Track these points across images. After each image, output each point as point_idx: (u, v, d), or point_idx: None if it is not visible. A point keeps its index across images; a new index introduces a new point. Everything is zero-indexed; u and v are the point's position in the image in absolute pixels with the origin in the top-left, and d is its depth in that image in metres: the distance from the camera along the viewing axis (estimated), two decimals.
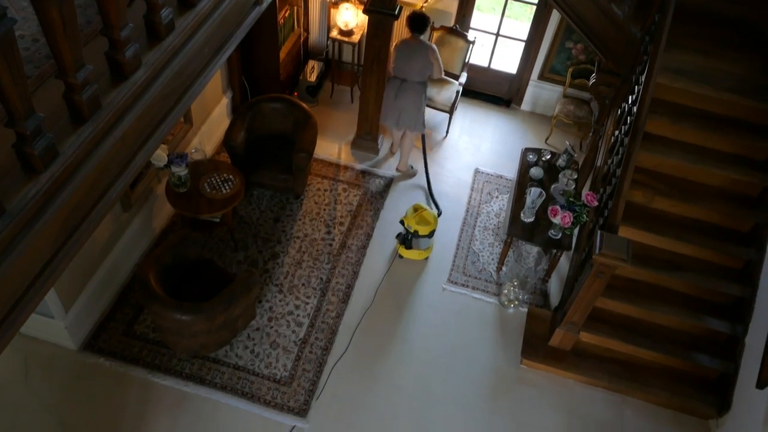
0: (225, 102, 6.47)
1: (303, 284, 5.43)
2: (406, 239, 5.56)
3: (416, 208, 5.56)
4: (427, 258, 5.76)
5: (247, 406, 4.65)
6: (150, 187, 5.34)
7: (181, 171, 5.04)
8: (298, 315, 5.22)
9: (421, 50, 5.70)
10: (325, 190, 6.24)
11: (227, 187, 5.26)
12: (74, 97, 2.18)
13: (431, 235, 5.57)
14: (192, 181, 5.22)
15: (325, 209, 6.06)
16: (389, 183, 6.42)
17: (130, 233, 5.17)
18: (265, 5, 3.72)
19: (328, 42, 7.14)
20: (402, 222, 5.55)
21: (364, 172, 6.49)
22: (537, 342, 5.16)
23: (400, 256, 5.73)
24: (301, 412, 4.66)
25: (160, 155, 4.88)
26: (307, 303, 5.30)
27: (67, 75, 2.11)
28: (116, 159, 2.48)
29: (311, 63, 7.18)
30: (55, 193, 2.16)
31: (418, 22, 5.64)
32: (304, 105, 5.97)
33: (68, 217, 2.27)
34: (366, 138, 6.61)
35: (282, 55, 6.50)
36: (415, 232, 5.47)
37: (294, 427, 4.58)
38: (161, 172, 5.24)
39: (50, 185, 2.11)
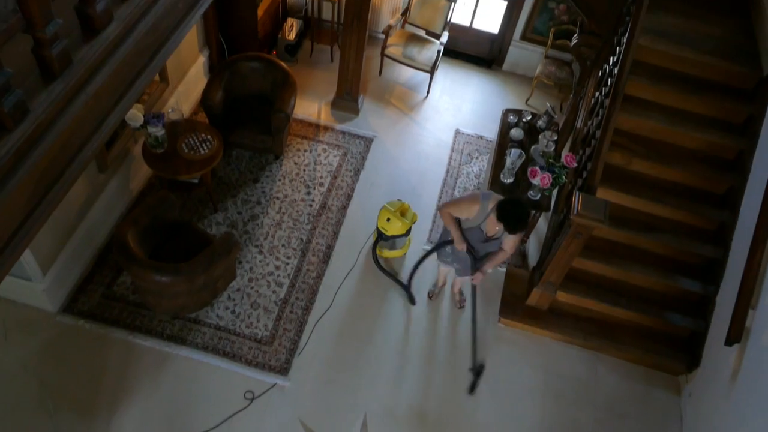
0: (202, 61, 6.34)
1: (283, 245, 5.43)
2: (383, 240, 5.30)
3: (387, 216, 5.15)
4: (404, 254, 5.59)
5: (228, 365, 4.69)
6: (126, 148, 5.25)
7: (157, 131, 4.96)
8: (278, 275, 5.23)
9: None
10: (305, 151, 6.20)
11: (205, 148, 5.20)
12: (44, 52, 2.12)
13: (408, 233, 5.34)
14: (169, 142, 5.15)
15: (305, 170, 6.03)
16: (369, 144, 6.38)
17: (107, 195, 5.10)
18: None
19: None
20: (378, 230, 5.24)
21: (344, 133, 6.44)
22: (515, 301, 5.23)
23: (377, 261, 5.28)
24: (283, 370, 4.71)
25: (136, 115, 4.79)
26: (288, 264, 5.31)
27: (35, 29, 2.05)
28: (90, 117, 2.42)
29: (290, 21, 7.04)
30: (27, 152, 2.12)
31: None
32: (283, 64, 5.87)
33: (41, 176, 2.23)
34: (346, 98, 6.54)
35: (260, 12, 6.36)
36: (393, 236, 5.20)
37: (275, 384, 4.64)
38: (137, 132, 5.15)
39: (21, 144, 2.06)
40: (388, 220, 5.14)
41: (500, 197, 3.94)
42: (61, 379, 4.47)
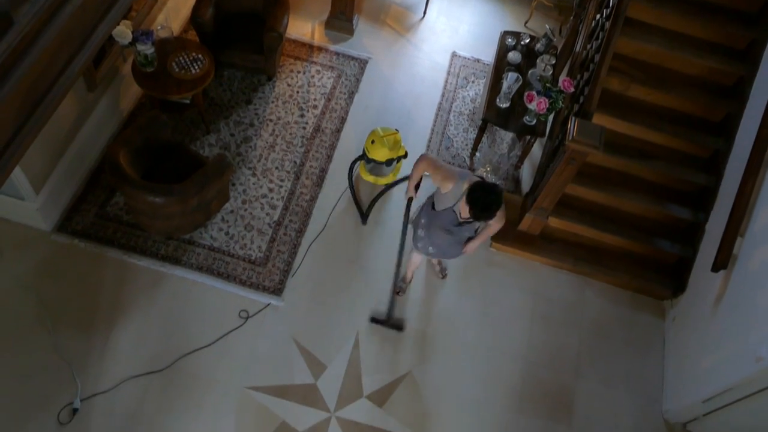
0: None
1: (276, 168, 5.41)
2: (366, 163, 5.28)
3: (373, 138, 5.14)
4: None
5: (222, 285, 4.76)
6: (115, 67, 5.13)
7: (147, 49, 4.83)
8: (272, 198, 5.24)
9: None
10: (299, 72, 6.07)
11: (196, 67, 5.08)
12: None
13: (390, 164, 5.26)
14: (159, 61, 5.02)
15: (298, 92, 5.93)
16: (364, 65, 6.26)
17: (97, 114, 5.02)
18: None
19: None
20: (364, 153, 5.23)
21: (338, 54, 6.29)
22: (507, 226, 5.26)
23: (350, 175, 5.33)
24: (276, 291, 4.80)
25: (124, 31, 4.65)
26: (281, 186, 5.31)
27: None
28: (76, 30, 2.36)
29: None
30: (13, 66, 2.07)
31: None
32: None
33: (29, 91, 2.19)
34: (340, 18, 6.36)
35: None
36: (373, 159, 5.14)
37: (269, 304, 4.73)
38: (126, 50, 5.02)
39: (7, 57, 2.01)
40: (373, 142, 5.10)
41: (476, 179, 3.72)
42: (59, 297, 4.54)
